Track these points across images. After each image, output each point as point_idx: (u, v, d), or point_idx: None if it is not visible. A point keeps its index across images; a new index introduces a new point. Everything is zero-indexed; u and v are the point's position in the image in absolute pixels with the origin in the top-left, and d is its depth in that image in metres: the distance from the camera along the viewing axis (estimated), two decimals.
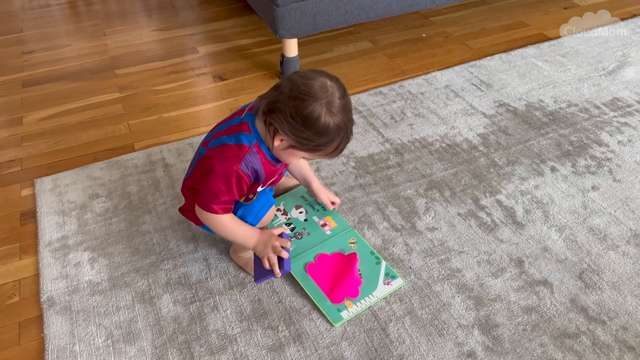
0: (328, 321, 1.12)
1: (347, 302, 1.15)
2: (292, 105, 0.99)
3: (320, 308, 1.14)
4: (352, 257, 1.22)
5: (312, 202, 1.35)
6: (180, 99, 1.87)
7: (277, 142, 1.05)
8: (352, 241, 1.26)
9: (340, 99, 1.01)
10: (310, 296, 1.16)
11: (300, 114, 0.99)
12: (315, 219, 1.31)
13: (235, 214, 1.14)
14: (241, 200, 1.15)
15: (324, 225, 1.30)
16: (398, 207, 1.39)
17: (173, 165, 1.54)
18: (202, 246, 1.29)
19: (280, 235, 1.15)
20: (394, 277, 1.19)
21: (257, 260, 1.16)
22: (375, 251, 1.25)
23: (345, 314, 1.13)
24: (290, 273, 1.20)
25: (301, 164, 1.30)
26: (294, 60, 1.90)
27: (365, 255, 1.24)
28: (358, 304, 1.15)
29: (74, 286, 1.21)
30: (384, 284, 1.18)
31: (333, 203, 1.33)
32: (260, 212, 1.16)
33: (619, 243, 1.27)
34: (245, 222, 1.15)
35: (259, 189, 1.16)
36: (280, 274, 1.12)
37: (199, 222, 1.18)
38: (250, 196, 1.16)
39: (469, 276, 1.21)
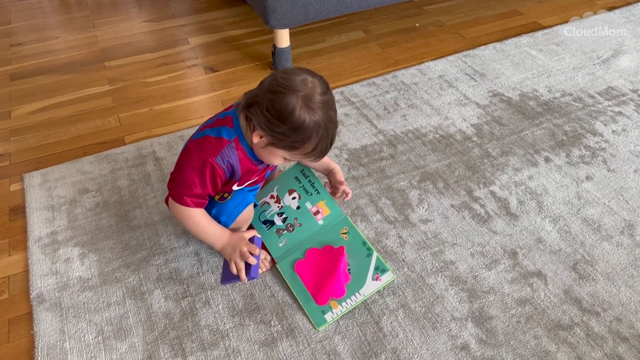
0: (312, 324, 1.10)
1: (332, 303, 1.12)
2: (269, 99, 0.98)
3: (304, 310, 1.12)
4: (341, 251, 1.19)
5: (306, 185, 1.29)
6: (171, 91, 1.85)
7: (256, 139, 1.02)
8: (345, 231, 1.23)
9: (321, 95, 0.98)
10: (296, 297, 1.14)
11: (275, 107, 0.97)
12: (309, 205, 1.26)
13: (209, 212, 1.13)
14: (216, 199, 1.14)
15: (317, 213, 1.25)
16: (391, 199, 1.38)
17: (164, 158, 1.52)
18: (194, 241, 1.28)
19: (252, 239, 1.13)
20: (384, 271, 1.16)
21: (227, 262, 1.15)
22: (367, 241, 1.21)
23: (329, 316, 1.10)
24: (278, 270, 1.19)
25: None
26: (286, 51, 1.88)
27: (356, 246, 1.20)
28: (343, 303, 1.12)
29: (64, 282, 1.20)
30: (373, 279, 1.15)
31: (345, 194, 1.27)
32: (235, 212, 1.14)
33: (613, 233, 1.27)
34: (219, 221, 1.13)
35: (235, 187, 1.14)
36: (246, 280, 1.11)
37: None
38: (225, 195, 1.14)
39: (463, 268, 1.20)
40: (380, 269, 1.16)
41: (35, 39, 2.20)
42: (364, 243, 1.20)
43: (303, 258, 1.19)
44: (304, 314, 1.12)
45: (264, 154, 1.06)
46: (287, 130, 0.98)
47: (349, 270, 1.17)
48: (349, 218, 1.24)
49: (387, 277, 1.15)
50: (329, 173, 1.28)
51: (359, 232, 1.22)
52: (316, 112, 0.97)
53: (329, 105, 1.00)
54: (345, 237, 1.21)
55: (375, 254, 1.18)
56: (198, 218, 1.10)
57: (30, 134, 1.66)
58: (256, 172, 1.14)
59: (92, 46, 2.13)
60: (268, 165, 1.15)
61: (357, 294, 1.13)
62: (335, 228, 1.23)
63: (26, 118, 1.74)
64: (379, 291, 1.15)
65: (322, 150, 1.02)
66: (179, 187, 1.07)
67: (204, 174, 1.04)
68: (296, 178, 1.30)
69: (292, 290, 1.15)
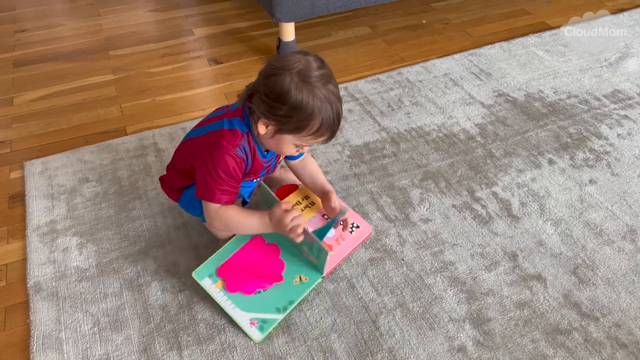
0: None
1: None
2: (265, 84, 0.97)
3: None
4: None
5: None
6: (174, 82, 1.84)
7: (262, 129, 1.01)
8: (301, 278, 1.14)
9: (317, 69, 0.96)
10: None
11: (272, 89, 0.95)
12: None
13: (195, 203, 1.10)
14: None
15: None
16: (392, 197, 1.37)
17: (165, 150, 1.51)
18: (193, 234, 1.27)
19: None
20: (262, 329, 1.07)
21: None
22: (292, 304, 1.09)
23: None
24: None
25: (311, 168, 1.21)
26: (290, 45, 1.87)
27: (287, 290, 1.12)
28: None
29: (61, 272, 1.19)
30: (249, 322, 1.08)
31: (343, 224, 1.20)
32: None
33: (615, 238, 1.26)
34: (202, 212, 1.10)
35: None
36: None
37: (174, 197, 1.18)
38: None
39: (462, 269, 1.19)
40: (261, 324, 1.07)
41: (40, 26, 2.19)
42: (291, 302, 1.10)
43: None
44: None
45: (273, 144, 1.04)
46: (288, 110, 0.95)
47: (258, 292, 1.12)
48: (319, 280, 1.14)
49: (255, 334, 1.06)
50: (322, 193, 1.20)
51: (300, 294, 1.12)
52: (314, 86, 0.95)
53: (327, 79, 0.97)
54: (296, 282, 1.14)
55: (279, 319, 1.08)
56: (236, 215, 1.06)
57: (32, 122, 1.65)
58: (262, 167, 1.11)
59: (97, 35, 2.12)
60: (270, 162, 1.14)
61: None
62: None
63: (28, 105, 1.73)
64: (376, 290, 1.14)
65: (329, 126, 0.98)
66: (206, 190, 1.03)
67: (229, 166, 1.02)
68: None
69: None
